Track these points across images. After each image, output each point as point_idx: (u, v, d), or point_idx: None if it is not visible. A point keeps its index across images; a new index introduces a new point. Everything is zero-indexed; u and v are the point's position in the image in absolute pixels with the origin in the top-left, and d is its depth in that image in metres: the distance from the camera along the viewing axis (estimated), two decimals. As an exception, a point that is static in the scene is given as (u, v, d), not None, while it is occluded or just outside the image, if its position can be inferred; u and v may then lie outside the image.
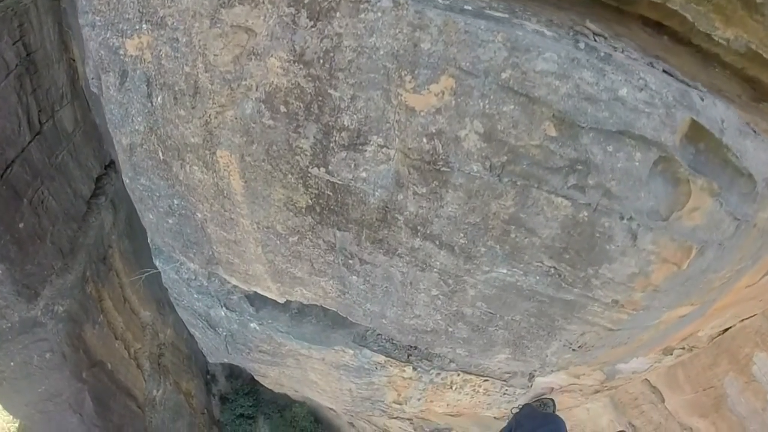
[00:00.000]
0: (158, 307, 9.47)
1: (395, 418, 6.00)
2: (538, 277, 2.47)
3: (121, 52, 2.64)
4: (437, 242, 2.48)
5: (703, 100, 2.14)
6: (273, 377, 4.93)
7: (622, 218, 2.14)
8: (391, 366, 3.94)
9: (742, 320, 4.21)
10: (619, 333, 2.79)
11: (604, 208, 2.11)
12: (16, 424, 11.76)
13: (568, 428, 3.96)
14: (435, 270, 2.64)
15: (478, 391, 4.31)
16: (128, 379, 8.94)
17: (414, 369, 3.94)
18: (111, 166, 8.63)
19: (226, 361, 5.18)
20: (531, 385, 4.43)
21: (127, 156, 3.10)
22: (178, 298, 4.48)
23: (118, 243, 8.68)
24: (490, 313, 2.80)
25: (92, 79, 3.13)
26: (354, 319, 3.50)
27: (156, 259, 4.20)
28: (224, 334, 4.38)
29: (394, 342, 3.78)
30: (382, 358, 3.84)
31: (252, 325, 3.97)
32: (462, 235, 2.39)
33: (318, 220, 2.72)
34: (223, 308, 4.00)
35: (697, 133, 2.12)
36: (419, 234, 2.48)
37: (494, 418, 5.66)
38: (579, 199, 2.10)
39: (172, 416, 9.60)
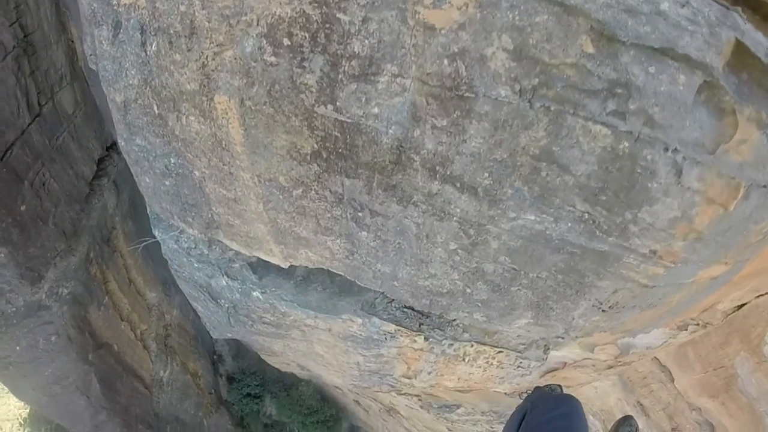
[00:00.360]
0: (164, 288, 9.24)
1: (403, 394, 5.77)
2: (569, 224, 2.20)
3: (114, 2, 2.40)
4: (458, 184, 2.20)
5: (745, 23, 1.89)
6: (277, 351, 4.68)
7: (666, 150, 1.87)
8: (401, 336, 3.69)
9: (759, 296, 3.98)
10: (653, 291, 2.53)
11: (647, 137, 1.84)
12: (28, 410, 11.66)
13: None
14: (455, 218, 2.37)
15: (491, 364, 4.06)
16: (135, 361, 8.77)
17: (426, 339, 3.69)
18: (113, 147, 8.38)
19: (229, 336, 4.94)
20: (546, 358, 4.19)
21: (122, 115, 2.86)
22: (178, 269, 4.25)
23: (122, 224, 8.46)
24: (514, 269, 2.53)
25: (90, 55, 2.92)
26: (363, 283, 3.24)
27: (155, 228, 3.97)
28: (226, 305, 4.13)
29: (405, 310, 3.53)
30: (392, 327, 3.58)
31: (255, 293, 3.72)
32: (486, 174, 2.11)
33: (324, 167, 2.45)
34: (224, 277, 3.75)
35: (740, 59, 1.86)
36: (438, 176, 2.21)
37: (505, 394, 5.42)
38: (619, 126, 1.83)
39: (180, 396, 9.41)
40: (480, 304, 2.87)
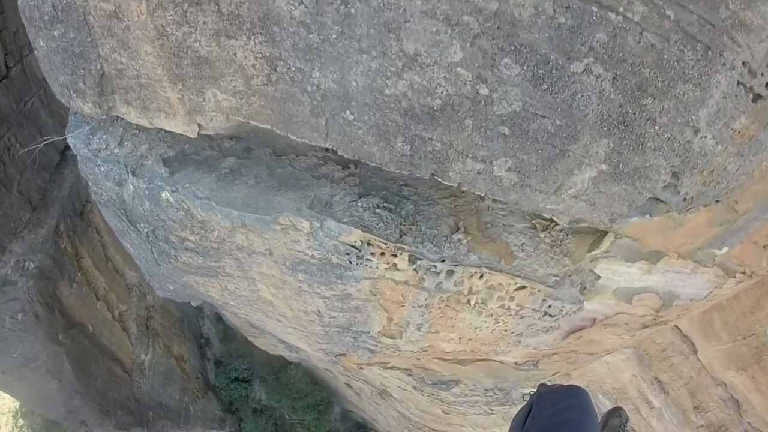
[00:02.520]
0: (146, 266, 7.79)
1: (390, 368, 4.22)
2: None
3: None
4: None
5: None
6: (217, 299, 3.05)
7: None
8: (373, 255, 2.13)
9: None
10: None
11: None
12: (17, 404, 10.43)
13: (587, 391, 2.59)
14: None
15: (507, 309, 2.50)
16: (112, 343, 7.29)
17: (411, 262, 2.16)
18: (90, 115, 7.09)
19: (171, 289, 3.42)
20: (583, 300, 2.65)
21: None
22: (97, 190, 2.88)
23: (98, 197, 7.10)
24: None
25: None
26: (299, 135, 1.66)
27: (69, 135, 2.66)
28: (145, 230, 2.63)
29: (377, 211, 1.99)
30: (357, 236, 2.02)
31: (164, 195, 2.19)
32: None
33: None
34: (130, 176, 2.26)
35: None
36: None
37: (515, 364, 3.87)
38: None
39: (163, 381, 7.85)
40: (507, 131, 1.29)
